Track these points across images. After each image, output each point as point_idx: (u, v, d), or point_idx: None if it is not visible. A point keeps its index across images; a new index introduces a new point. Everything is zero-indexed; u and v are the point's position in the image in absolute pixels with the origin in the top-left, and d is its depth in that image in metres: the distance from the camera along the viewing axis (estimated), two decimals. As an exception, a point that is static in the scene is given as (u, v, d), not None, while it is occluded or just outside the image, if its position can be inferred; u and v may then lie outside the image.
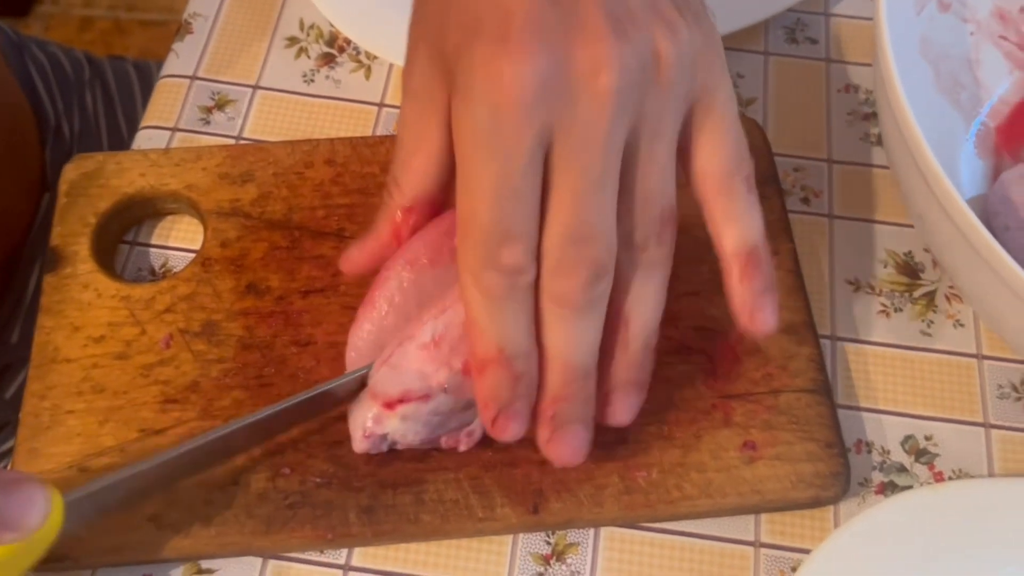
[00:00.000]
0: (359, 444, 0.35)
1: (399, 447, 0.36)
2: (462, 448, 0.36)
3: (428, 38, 0.33)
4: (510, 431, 0.33)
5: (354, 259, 0.36)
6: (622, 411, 0.35)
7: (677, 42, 0.31)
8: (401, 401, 0.34)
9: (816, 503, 0.38)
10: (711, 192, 0.33)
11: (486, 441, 0.37)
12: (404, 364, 0.34)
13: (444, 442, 0.36)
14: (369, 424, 0.35)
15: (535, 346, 0.32)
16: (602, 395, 0.34)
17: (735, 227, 0.33)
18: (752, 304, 0.34)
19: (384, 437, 0.35)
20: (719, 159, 0.33)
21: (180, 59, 0.49)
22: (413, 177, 0.35)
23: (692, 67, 0.32)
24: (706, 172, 0.33)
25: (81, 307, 0.40)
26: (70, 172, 0.43)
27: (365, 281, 0.41)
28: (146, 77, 0.72)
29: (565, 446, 0.33)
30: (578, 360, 0.33)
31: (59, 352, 0.39)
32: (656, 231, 0.33)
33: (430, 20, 0.33)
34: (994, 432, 0.40)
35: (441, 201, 0.35)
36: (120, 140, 0.67)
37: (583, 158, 0.30)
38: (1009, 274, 0.33)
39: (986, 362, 0.42)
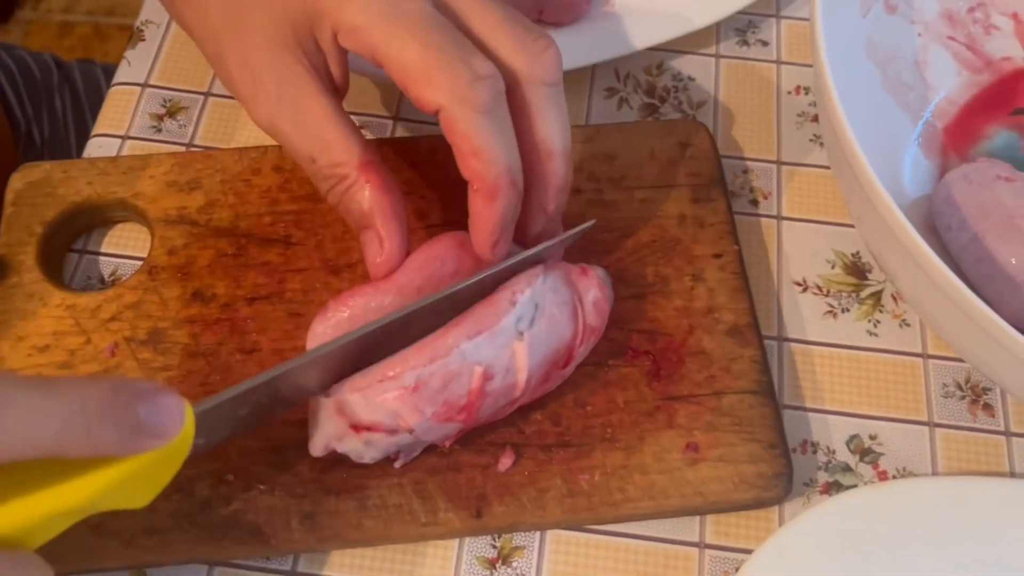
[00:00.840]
0: (316, 451, 0.36)
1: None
2: (398, 465, 0.37)
3: (262, 33, 0.36)
4: (501, 249, 0.35)
5: (387, 255, 0.36)
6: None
7: None
8: (369, 429, 0.34)
9: (759, 504, 0.38)
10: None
11: (429, 447, 0.37)
12: (380, 400, 0.34)
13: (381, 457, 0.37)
14: (333, 442, 0.35)
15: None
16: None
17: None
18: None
19: (339, 454, 0.36)
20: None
21: (132, 67, 0.49)
22: (340, 144, 0.36)
23: None
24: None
25: (26, 316, 0.40)
26: (16, 181, 0.43)
27: (311, 288, 0.41)
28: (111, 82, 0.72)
29: (505, 243, 0.36)
30: (568, 143, 0.36)
31: (3, 362, 0.39)
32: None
33: (255, 16, 0.36)
34: (938, 431, 0.41)
35: (375, 150, 0.37)
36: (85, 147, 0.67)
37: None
38: (938, 275, 0.33)
39: (931, 361, 0.42)
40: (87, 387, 0.27)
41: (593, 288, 0.37)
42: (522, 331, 0.35)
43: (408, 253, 0.36)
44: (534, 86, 0.35)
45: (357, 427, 0.34)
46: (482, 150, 0.34)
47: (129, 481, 0.29)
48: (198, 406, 0.31)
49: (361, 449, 0.35)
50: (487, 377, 0.34)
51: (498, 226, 0.35)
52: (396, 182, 0.37)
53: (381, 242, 0.36)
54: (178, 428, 0.29)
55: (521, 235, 0.38)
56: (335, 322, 0.35)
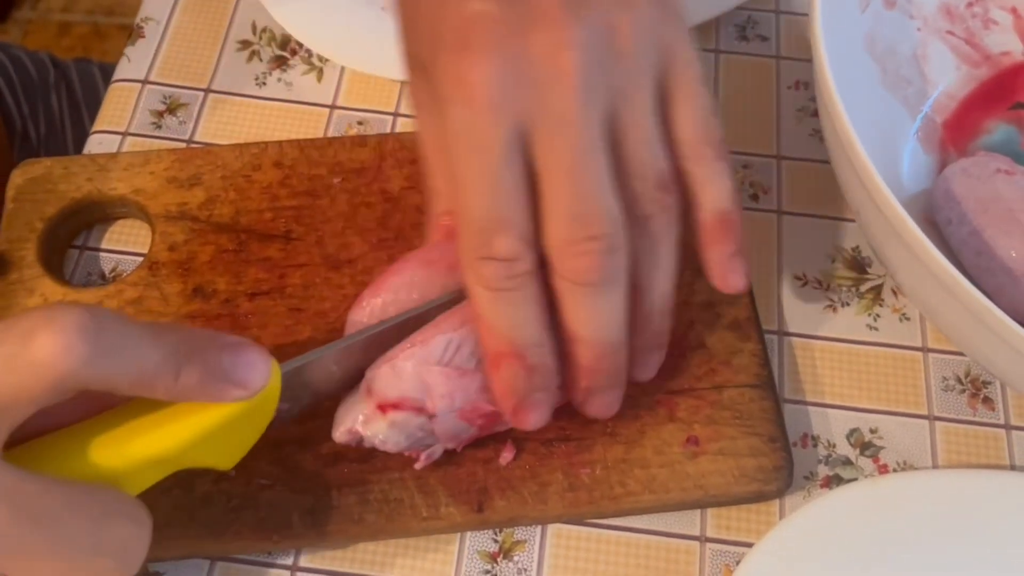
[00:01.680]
0: (340, 436, 0.35)
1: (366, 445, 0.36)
2: (419, 466, 0.36)
3: (410, 52, 0.35)
4: (530, 421, 0.34)
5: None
6: (646, 371, 0.37)
7: (633, 14, 0.32)
8: (395, 407, 0.34)
9: (759, 497, 0.38)
10: (683, 160, 0.34)
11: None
12: (408, 370, 0.33)
13: (407, 452, 0.36)
14: (358, 424, 0.34)
15: (547, 335, 0.33)
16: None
17: (706, 193, 0.34)
18: (723, 266, 0.35)
19: (363, 438, 0.35)
20: (690, 127, 0.34)
21: (132, 63, 0.49)
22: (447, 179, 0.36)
23: (653, 37, 0.33)
24: (678, 140, 0.34)
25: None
26: (17, 177, 0.43)
27: (311, 283, 0.41)
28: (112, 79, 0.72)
29: (600, 407, 0.35)
30: (607, 337, 0.33)
31: (5, 358, 0.39)
32: (656, 198, 0.33)
33: (408, 36, 0.35)
34: (938, 424, 0.41)
35: None
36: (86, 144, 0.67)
37: (563, 137, 0.31)
38: (940, 269, 0.33)
39: (931, 355, 0.42)
40: (180, 332, 0.29)
41: None
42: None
43: None
44: (562, 280, 0.32)
45: (384, 406, 0.34)
46: (483, 318, 0.33)
47: (216, 435, 0.30)
48: (284, 366, 0.32)
49: (385, 433, 0.34)
50: None
51: (508, 394, 0.33)
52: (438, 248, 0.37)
53: None
54: (260, 382, 0.30)
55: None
56: (379, 306, 0.35)
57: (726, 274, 0.35)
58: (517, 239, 0.31)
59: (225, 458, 0.32)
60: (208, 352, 0.30)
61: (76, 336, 0.26)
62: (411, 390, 0.34)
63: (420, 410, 0.34)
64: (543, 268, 0.32)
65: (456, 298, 0.35)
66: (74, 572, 0.27)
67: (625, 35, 0.32)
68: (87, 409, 0.30)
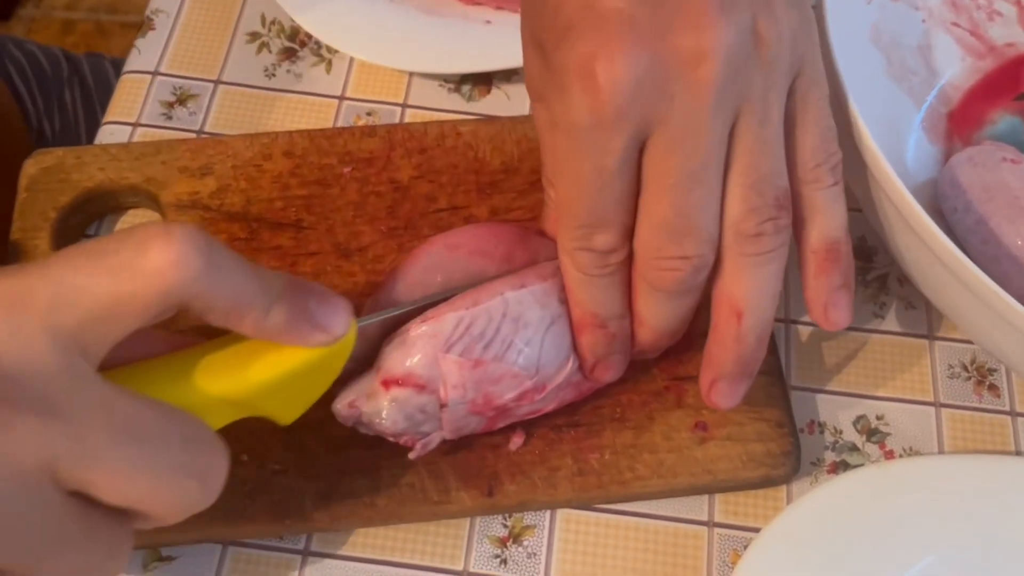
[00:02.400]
0: (340, 408, 0.35)
1: (363, 430, 0.36)
2: (413, 456, 0.36)
3: (532, 38, 0.34)
4: (608, 376, 0.36)
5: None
6: (729, 398, 0.35)
7: (776, 20, 0.31)
8: (399, 383, 0.34)
9: (767, 482, 0.38)
10: (798, 179, 0.33)
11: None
12: (418, 345, 0.34)
13: (403, 440, 0.36)
14: (360, 399, 0.35)
15: (628, 309, 0.35)
16: (709, 379, 0.35)
17: (818, 219, 0.34)
18: (826, 300, 0.34)
19: (361, 415, 0.35)
20: (809, 147, 0.33)
21: (142, 55, 0.49)
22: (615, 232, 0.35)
23: (791, 45, 0.32)
24: (796, 160, 0.33)
25: (41, 300, 0.40)
26: (30, 167, 0.43)
27: (322, 271, 0.41)
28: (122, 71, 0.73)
29: (611, 371, 0.36)
30: (668, 327, 0.35)
31: (19, 344, 0.39)
32: (772, 216, 0.32)
33: (532, 15, 0.34)
34: (944, 411, 0.41)
35: None
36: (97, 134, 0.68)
37: (681, 151, 0.30)
38: (949, 257, 0.33)
39: (937, 343, 0.43)
40: (273, 271, 0.30)
41: None
42: (563, 300, 0.35)
43: None
44: (641, 279, 0.33)
45: (388, 381, 0.34)
46: (570, 291, 0.34)
47: (289, 381, 0.31)
48: (360, 320, 0.33)
49: (386, 408, 0.34)
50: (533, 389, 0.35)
51: (588, 356, 0.35)
52: (467, 232, 0.38)
53: None
54: (342, 329, 0.31)
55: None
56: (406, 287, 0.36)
57: (828, 308, 0.34)
58: (616, 235, 0.32)
59: (289, 410, 0.33)
60: (297, 294, 0.30)
61: (191, 249, 0.27)
62: (419, 367, 0.34)
63: (422, 388, 0.34)
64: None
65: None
66: (162, 492, 0.27)
67: (767, 43, 0.31)
68: (159, 348, 0.31)
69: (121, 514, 0.27)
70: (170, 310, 0.27)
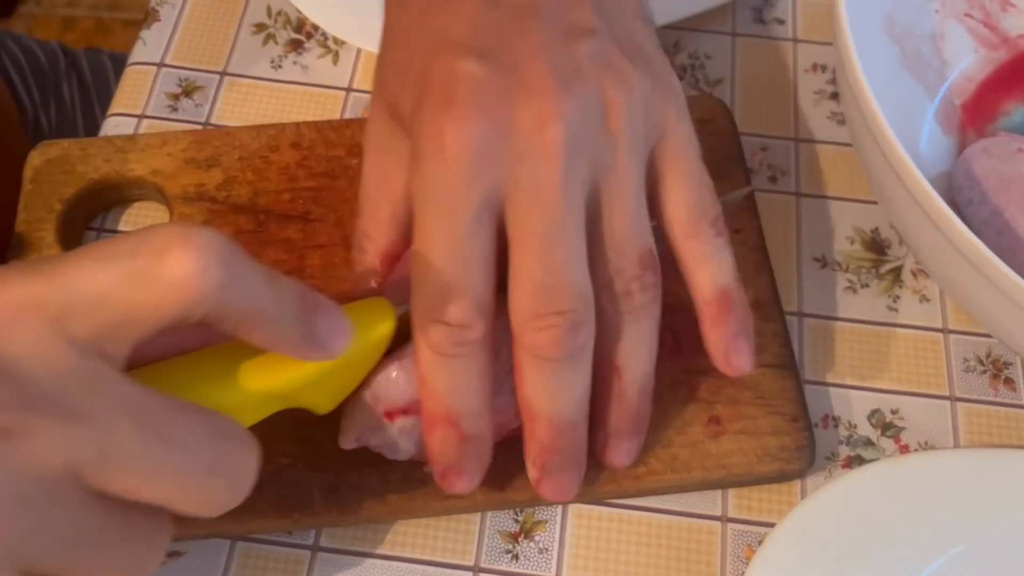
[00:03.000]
0: (347, 443, 0.35)
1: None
2: (428, 470, 0.35)
3: (386, 98, 0.34)
4: (457, 487, 0.34)
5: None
6: (621, 457, 0.35)
7: (628, 89, 0.32)
8: (405, 412, 0.33)
9: (782, 477, 0.38)
10: (679, 238, 0.34)
11: None
12: (415, 377, 0.33)
13: (419, 459, 0.36)
14: (365, 433, 0.34)
15: (487, 407, 0.33)
16: (601, 439, 0.35)
17: (704, 271, 0.34)
18: (725, 348, 0.34)
19: (370, 448, 0.35)
20: (684, 205, 0.33)
21: (147, 47, 0.49)
22: (382, 226, 0.35)
23: (646, 113, 0.32)
24: (672, 218, 0.34)
25: (46, 293, 0.39)
26: (35, 159, 0.43)
27: (331, 264, 0.41)
28: (122, 68, 0.72)
29: (555, 488, 0.34)
30: (565, 414, 0.33)
31: (24, 338, 0.39)
32: (637, 275, 0.32)
33: (389, 82, 0.34)
34: (959, 405, 0.41)
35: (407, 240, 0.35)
36: (97, 132, 0.67)
37: (538, 209, 0.31)
38: (967, 246, 0.33)
39: (952, 336, 0.42)
40: (291, 284, 0.29)
41: None
42: None
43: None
44: (523, 352, 0.32)
45: (391, 413, 0.34)
46: (425, 381, 0.32)
47: (330, 375, 0.31)
48: (400, 308, 0.33)
49: (395, 438, 0.34)
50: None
51: (438, 457, 0.33)
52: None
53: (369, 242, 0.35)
54: (342, 348, 0.30)
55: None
56: None
57: (728, 355, 0.34)
58: (471, 307, 0.31)
59: (328, 400, 0.32)
60: (306, 309, 0.29)
61: (213, 259, 0.26)
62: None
63: None
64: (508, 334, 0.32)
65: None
66: (190, 491, 0.27)
67: (617, 111, 0.31)
68: (179, 347, 0.30)
69: (156, 509, 0.27)
70: (191, 318, 0.27)
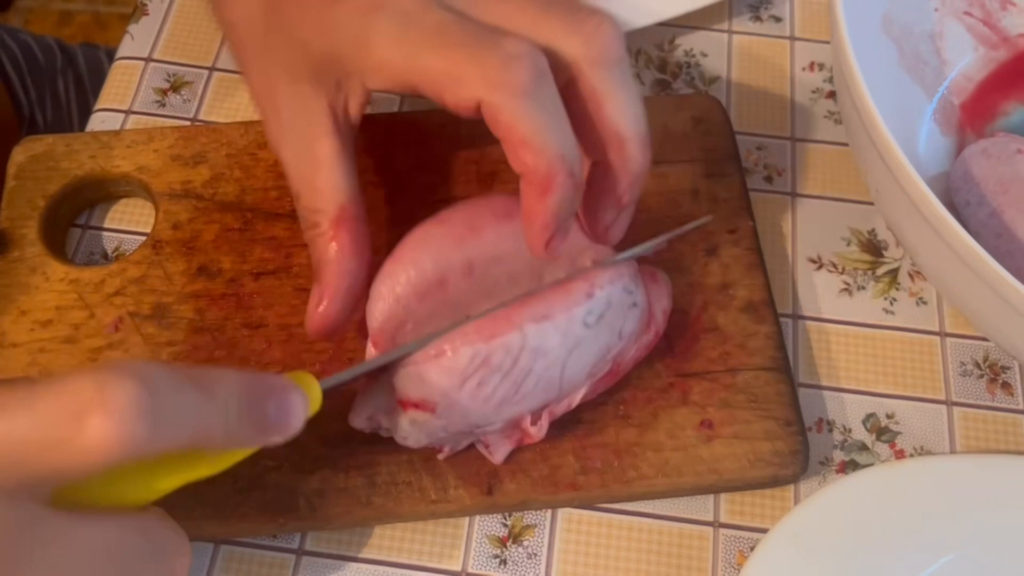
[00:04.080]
0: (359, 422, 0.34)
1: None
2: (442, 456, 0.36)
3: (283, 64, 0.34)
4: (556, 249, 0.32)
5: (323, 313, 0.34)
6: (618, 231, 0.36)
7: None
8: (417, 407, 0.33)
9: (775, 482, 0.37)
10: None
11: None
12: (433, 379, 0.32)
13: (429, 445, 0.35)
14: (379, 414, 0.34)
15: (579, 146, 0.32)
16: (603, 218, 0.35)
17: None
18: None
19: (381, 429, 0.34)
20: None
21: (135, 41, 0.48)
22: (325, 193, 0.34)
23: None
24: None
25: (28, 291, 0.39)
26: (19, 155, 0.42)
27: (318, 262, 0.40)
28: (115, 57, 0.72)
29: (624, 223, 0.35)
30: (646, 127, 0.33)
31: (5, 337, 0.38)
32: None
33: (278, 49, 0.34)
34: (956, 410, 0.40)
35: (362, 204, 0.35)
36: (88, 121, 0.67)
37: None
38: (965, 250, 0.32)
39: (948, 340, 0.41)
40: (229, 384, 0.28)
41: (664, 297, 0.37)
42: (589, 324, 0.33)
43: (350, 319, 0.34)
44: (595, 68, 0.31)
45: (405, 403, 0.33)
46: (530, 138, 0.30)
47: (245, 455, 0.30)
48: (325, 382, 0.31)
49: (406, 428, 0.33)
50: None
51: (552, 221, 0.31)
52: (368, 245, 0.35)
53: (320, 300, 0.34)
54: (299, 424, 0.30)
55: (592, 227, 0.35)
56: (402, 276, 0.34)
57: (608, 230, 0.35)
58: (520, 40, 0.30)
59: (221, 467, 0.31)
60: (253, 403, 0.28)
61: (134, 421, 0.24)
62: (435, 397, 0.33)
63: (441, 415, 0.33)
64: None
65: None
66: None
67: None
68: None
69: None
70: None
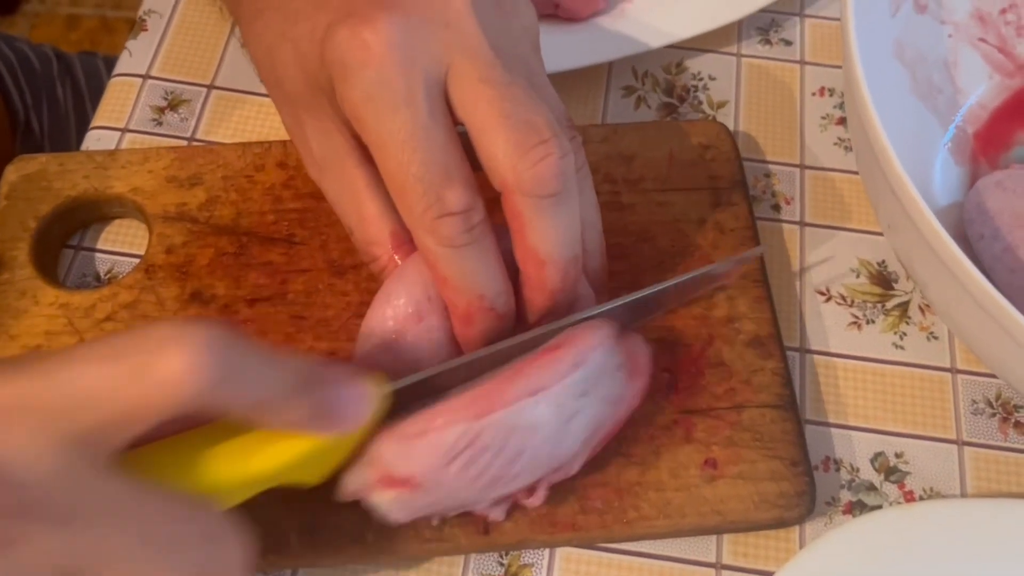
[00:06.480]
0: (344, 497, 0.33)
1: None
2: (435, 522, 0.35)
3: (304, 101, 0.35)
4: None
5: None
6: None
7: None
8: (402, 484, 0.32)
9: (780, 524, 0.36)
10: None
11: None
12: (419, 454, 0.31)
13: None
14: (363, 490, 0.32)
15: (509, 284, 0.33)
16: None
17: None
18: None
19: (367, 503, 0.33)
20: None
21: (133, 57, 0.47)
22: (376, 221, 0.35)
23: None
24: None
25: (17, 315, 0.38)
26: (11, 174, 0.41)
27: (314, 290, 0.39)
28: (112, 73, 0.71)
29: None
30: (572, 252, 0.33)
31: (-7, 362, 0.37)
32: (567, 128, 0.34)
33: (289, 78, 0.35)
34: (967, 450, 0.39)
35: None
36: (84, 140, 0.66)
37: (483, 66, 0.31)
38: (977, 288, 0.31)
39: (960, 376, 0.40)
40: (295, 362, 0.28)
41: (639, 343, 0.35)
42: (586, 392, 0.32)
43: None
44: (523, 196, 0.31)
45: (391, 481, 0.32)
46: (449, 279, 0.32)
47: (316, 454, 0.30)
48: (395, 384, 0.31)
49: (388, 506, 0.32)
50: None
51: (480, 345, 0.34)
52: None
53: None
54: (357, 418, 0.30)
55: (521, 320, 0.35)
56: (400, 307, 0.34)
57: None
58: (466, 188, 0.31)
59: (317, 474, 0.31)
60: (317, 387, 0.29)
61: (207, 357, 0.25)
62: (420, 476, 0.31)
63: (427, 491, 0.32)
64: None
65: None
66: None
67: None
68: (176, 426, 0.29)
69: None
70: (187, 414, 0.26)
